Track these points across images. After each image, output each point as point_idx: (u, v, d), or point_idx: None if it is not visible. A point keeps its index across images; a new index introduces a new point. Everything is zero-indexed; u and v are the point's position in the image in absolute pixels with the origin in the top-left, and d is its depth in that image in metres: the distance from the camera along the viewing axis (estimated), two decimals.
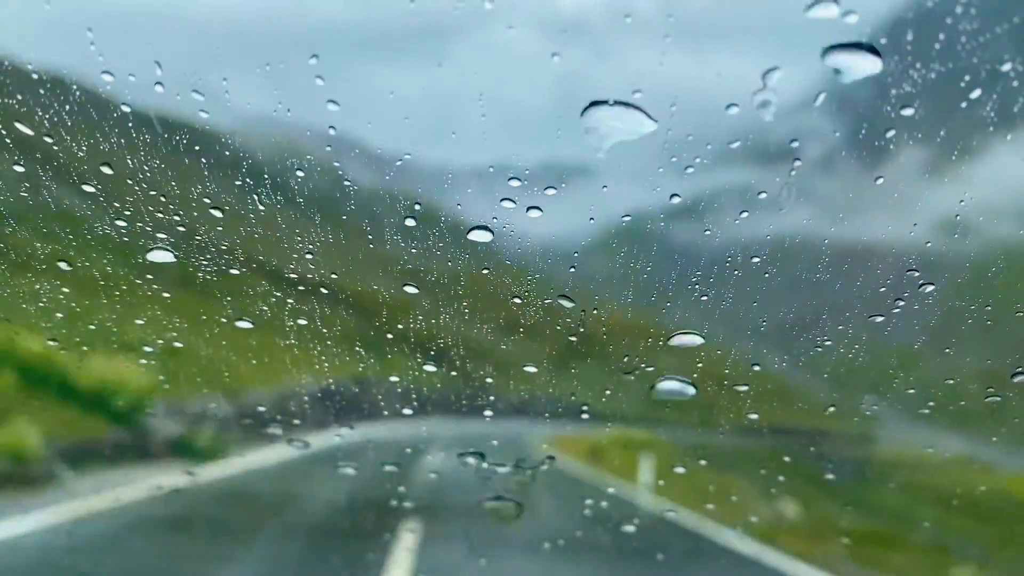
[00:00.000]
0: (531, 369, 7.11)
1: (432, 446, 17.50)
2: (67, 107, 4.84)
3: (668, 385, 4.08)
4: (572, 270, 6.04)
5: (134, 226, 5.20)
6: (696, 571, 11.23)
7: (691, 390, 4.08)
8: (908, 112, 4.77)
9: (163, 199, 5.29)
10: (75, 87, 4.82)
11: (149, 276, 6.22)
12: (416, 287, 5.59)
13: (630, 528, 10.24)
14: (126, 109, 4.82)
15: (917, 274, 5.56)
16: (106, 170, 5.06)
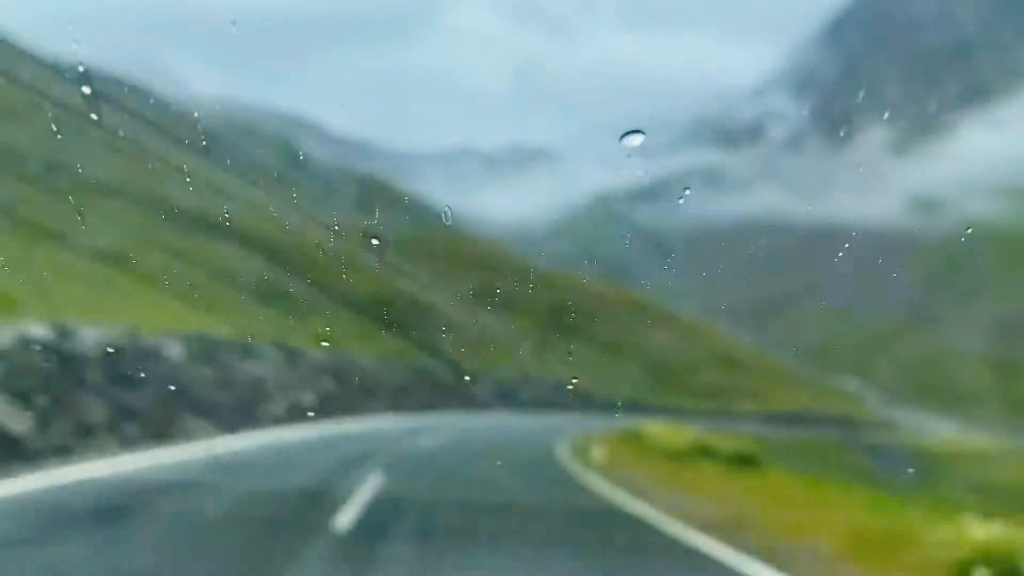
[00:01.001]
0: (520, 351, 7.10)
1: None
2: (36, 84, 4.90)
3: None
4: (543, 254, 6.06)
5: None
6: None
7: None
8: (879, 93, 4.78)
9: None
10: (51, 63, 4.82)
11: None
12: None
13: None
14: (87, 91, 4.97)
15: (895, 253, 5.53)
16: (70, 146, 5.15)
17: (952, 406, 68.16)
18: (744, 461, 15.00)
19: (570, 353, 31.79)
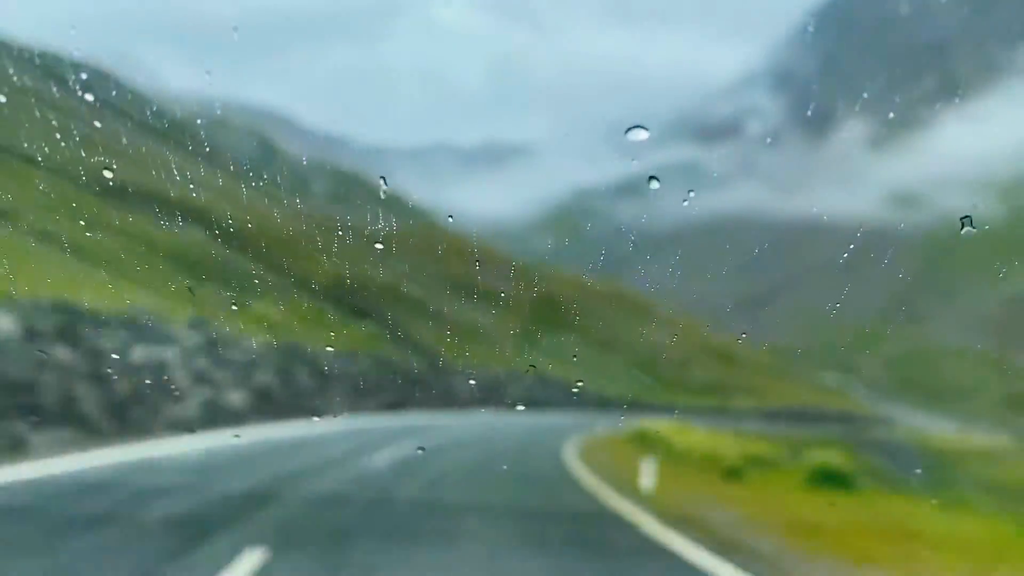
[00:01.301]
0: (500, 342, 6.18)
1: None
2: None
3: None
4: (518, 245, 5.16)
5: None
6: None
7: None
8: (857, 89, 3.70)
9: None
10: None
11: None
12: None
13: None
14: (89, 98, 5.19)
15: (876, 248, 4.61)
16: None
17: (938, 401, 67.96)
18: (829, 478, 11.58)
19: (575, 355, 30.73)
